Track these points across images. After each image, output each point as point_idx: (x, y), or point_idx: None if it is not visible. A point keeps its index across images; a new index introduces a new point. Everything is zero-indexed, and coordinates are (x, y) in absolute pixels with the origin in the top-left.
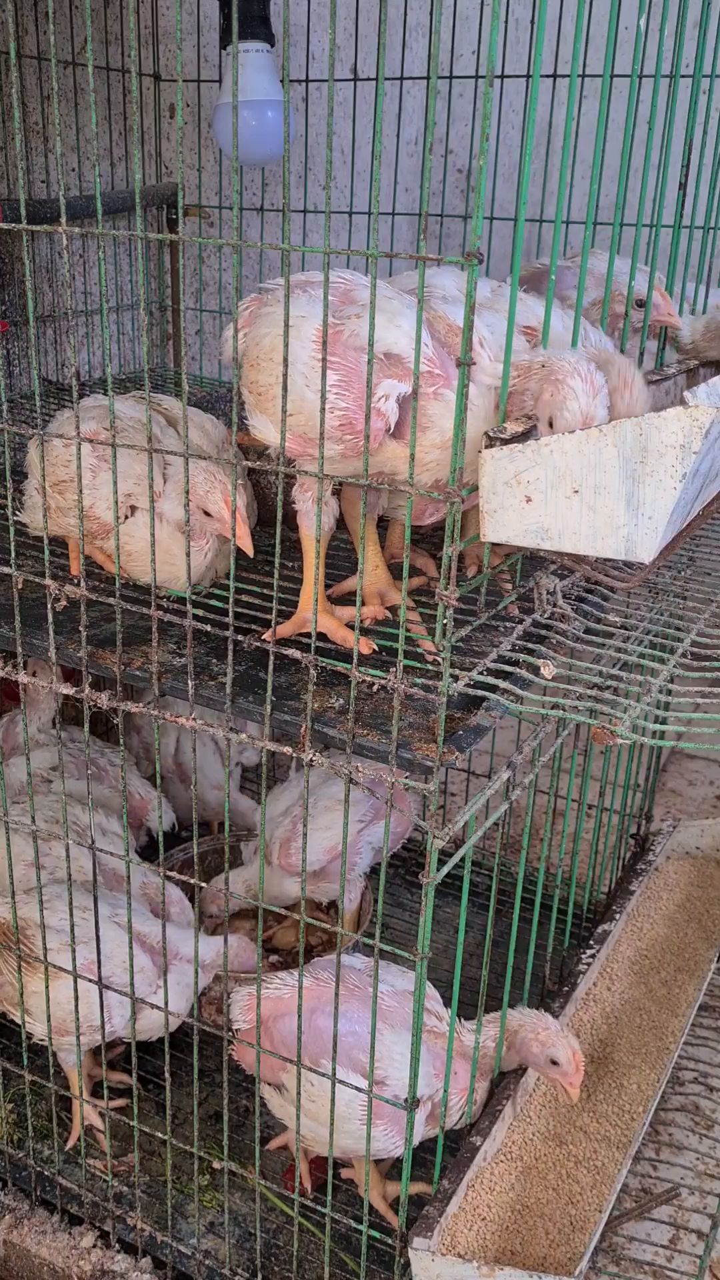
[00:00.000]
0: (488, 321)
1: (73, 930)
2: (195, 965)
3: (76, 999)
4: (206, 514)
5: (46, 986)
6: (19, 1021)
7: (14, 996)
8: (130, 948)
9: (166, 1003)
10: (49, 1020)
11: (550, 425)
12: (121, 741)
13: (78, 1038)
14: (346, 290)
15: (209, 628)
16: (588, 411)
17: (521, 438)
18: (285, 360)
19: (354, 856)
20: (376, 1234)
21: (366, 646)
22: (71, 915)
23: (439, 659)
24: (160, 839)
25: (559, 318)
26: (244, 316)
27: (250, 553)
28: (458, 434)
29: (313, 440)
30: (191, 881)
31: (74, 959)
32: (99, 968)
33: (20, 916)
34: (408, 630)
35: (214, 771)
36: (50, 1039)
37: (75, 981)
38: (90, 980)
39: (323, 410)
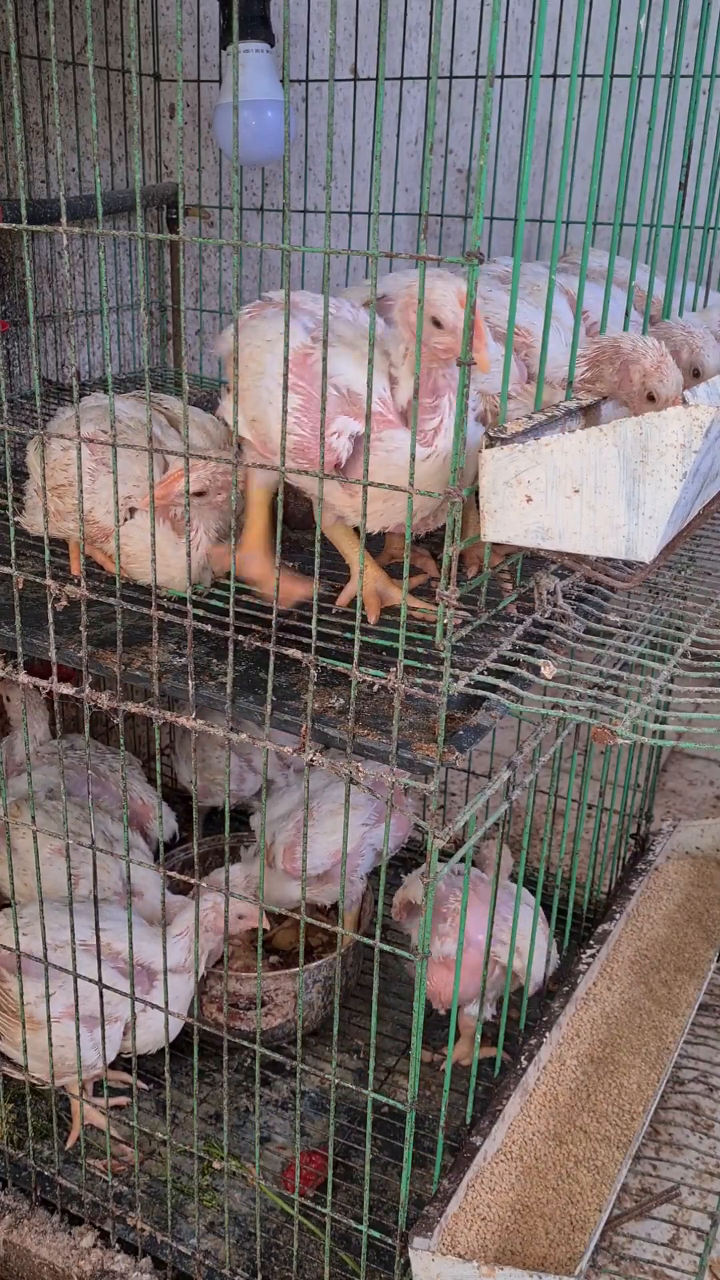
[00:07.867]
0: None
1: (75, 980)
2: (196, 966)
3: (79, 1039)
4: None
5: (49, 1032)
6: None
7: (13, 1038)
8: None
9: (167, 1009)
10: (52, 1067)
11: (651, 399)
12: (121, 744)
13: (80, 1073)
14: (331, 320)
15: (209, 628)
16: (679, 378)
17: (521, 438)
18: (285, 367)
19: (356, 859)
20: (376, 1234)
21: (374, 614)
22: (74, 956)
23: (442, 645)
24: (161, 847)
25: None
26: (241, 318)
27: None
28: (458, 434)
29: (270, 447)
30: (191, 880)
31: (76, 1003)
32: (101, 1017)
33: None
34: (416, 613)
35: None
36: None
37: (77, 1020)
38: (83, 1017)
39: (326, 432)
